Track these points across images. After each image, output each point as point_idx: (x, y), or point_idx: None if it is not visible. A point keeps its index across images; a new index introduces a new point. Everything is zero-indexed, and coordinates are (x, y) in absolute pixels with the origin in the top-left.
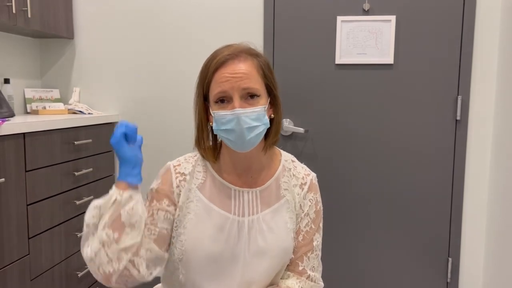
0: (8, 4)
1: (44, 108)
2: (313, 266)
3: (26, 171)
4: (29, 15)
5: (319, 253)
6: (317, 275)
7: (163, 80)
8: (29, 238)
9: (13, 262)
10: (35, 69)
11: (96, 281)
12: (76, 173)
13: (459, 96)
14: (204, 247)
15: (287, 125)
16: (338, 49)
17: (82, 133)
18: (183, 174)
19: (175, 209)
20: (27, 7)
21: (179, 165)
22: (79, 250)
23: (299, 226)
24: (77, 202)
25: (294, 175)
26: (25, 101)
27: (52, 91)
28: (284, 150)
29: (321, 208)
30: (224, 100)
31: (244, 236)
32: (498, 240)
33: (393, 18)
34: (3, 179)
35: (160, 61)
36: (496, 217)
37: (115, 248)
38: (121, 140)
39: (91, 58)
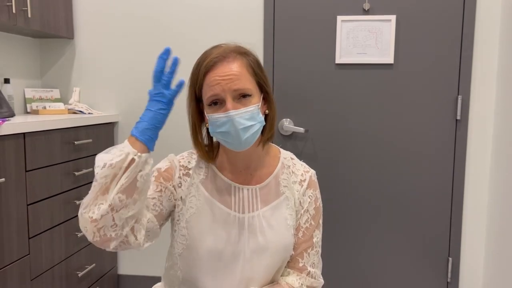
0: (8, 4)
1: (44, 108)
2: (313, 263)
3: (26, 171)
4: (29, 15)
5: (319, 249)
6: (317, 271)
7: None
8: (29, 238)
9: (13, 262)
10: (35, 69)
11: (97, 281)
12: (76, 173)
13: (459, 96)
14: (205, 242)
15: (287, 125)
16: (338, 49)
17: (82, 133)
18: (186, 168)
19: (176, 196)
20: (27, 7)
21: (182, 158)
22: (79, 250)
23: (299, 222)
24: (77, 202)
25: (293, 172)
26: (25, 101)
27: (52, 91)
28: (284, 149)
29: (321, 204)
30: (217, 102)
31: (244, 233)
32: (498, 240)
33: (393, 17)
34: (3, 179)
35: None
36: (496, 217)
37: (123, 213)
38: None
39: (91, 58)
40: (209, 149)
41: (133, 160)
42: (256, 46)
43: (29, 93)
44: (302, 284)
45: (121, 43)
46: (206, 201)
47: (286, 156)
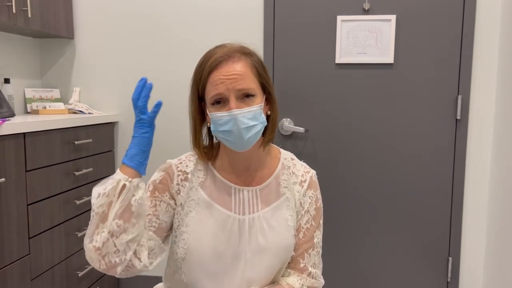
0: (8, 4)
1: (44, 108)
2: (314, 263)
3: (26, 171)
4: (29, 15)
5: (320, 250)
6: (318, 272)
7: (163, 80)
8: (29, 238)
9: (13, 262)
10: (35, 69)
11: (97, 281)
12: (76, 173)
13: (459, 96)
14: (206, 245)
15: (287, 124)
16: (338, 49)
17: (82, 133)
18: (184, 172)
19: (175, 204)
20: (27, 7)
21: (180, 163)
22: (79, 250)
23: (300, 223)
24: (77, 202)
25: (293, 172)
26: (25, 101)
27: (52, 91)
28: (284, 150)
29: (321, 205)
30: (220, 101)
31: (245, 235)
32: (498, 240)
33: (393, 17)
34: (3, 179)
35: (160, 61)
36: (496, 217)
37: (123, 238)
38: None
39: (91, 58)
40: (208, 150)
41: (124, 185)
42: (256, 46)
43: (29, 93)
44: (302, 285)
45: (121, 43)
46: (205, 204)
47: (286, 156)
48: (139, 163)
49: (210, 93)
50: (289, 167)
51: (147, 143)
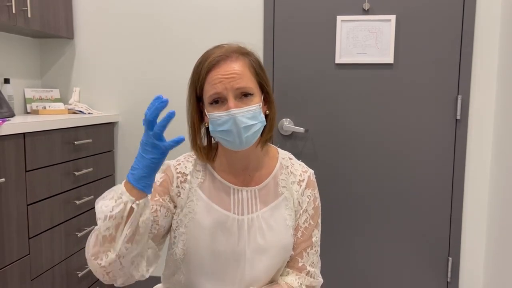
0: (8, 4)
1: (44, 108)
2: (313, 262)
3: (26, 171)
4: (29, 15)
5: (318, 249)
6: (317, 271)
7: (163, 80)
8: (29, 238)
9: (13, 262)
10: (35, 69)
11: (97, 281)
12: (76, 173)
13: (459, 96)
14: (205, 245)
15: (287, 124)
16: (338, 49)
17: (82, 133)
18: (183, 174)
19: (174, 207)
20: (27, 7)
21: (179, 164)
22: (79, 250)
23: (298, 222)
24: (77, 202)
25: (291, 172)
26: (25, 101)
27: (52, 91)
28: (284, 149)
29: (320, 204)
30: (218, 101)
31: (244, 235)
32: (498, 240)
33: (393, 17)
34: (3, 179)
35: (160, 61)
36: (496, 217)
37: (130, 257)
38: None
39: (91, 58)
40: (207, 150)
41: (132, 209)
42: (256, 46)
43: (29, 93)
44: (301, 284)
45: (121, 43)
46: (204, 205)
47: (284, 156)
48: (147, 185)
49: (208, 92)
50: (287, 166)
51: (156, 168)
